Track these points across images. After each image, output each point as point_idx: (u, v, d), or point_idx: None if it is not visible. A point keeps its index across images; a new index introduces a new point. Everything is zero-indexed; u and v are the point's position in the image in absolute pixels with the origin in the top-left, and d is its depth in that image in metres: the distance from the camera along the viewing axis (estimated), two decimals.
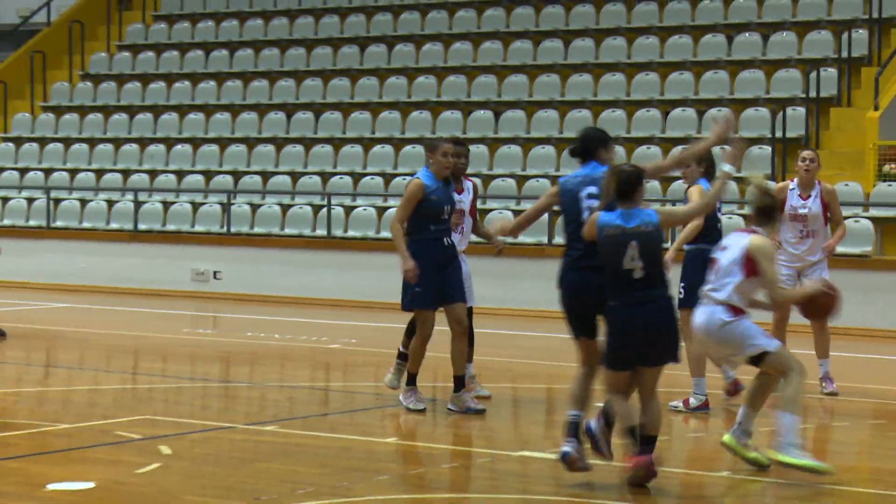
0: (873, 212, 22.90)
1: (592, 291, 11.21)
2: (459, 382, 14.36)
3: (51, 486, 11.33)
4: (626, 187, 10.61)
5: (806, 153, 15.97)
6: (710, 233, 14.59)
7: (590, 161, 11.85)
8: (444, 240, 14.09)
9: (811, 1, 28.28)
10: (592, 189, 11.54)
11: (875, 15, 27.06)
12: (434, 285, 13.91)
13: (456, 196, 14.60)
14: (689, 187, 14.72)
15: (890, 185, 23.44)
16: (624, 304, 10.60)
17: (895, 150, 24.25)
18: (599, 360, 11.06)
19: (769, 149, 25.35)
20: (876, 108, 24.78)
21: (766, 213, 11.45)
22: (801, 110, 25.86)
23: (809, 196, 15.72)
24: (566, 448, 11.20)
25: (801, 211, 15.69)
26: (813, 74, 25.99)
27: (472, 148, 17.59)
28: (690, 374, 14.65)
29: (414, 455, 13.00)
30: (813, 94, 25.93)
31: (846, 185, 23.46)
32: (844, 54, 26.48)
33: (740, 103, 26.73)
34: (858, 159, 24.65)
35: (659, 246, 10.64)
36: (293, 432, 13.95)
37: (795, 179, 15.93)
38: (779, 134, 25.41)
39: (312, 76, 31.38)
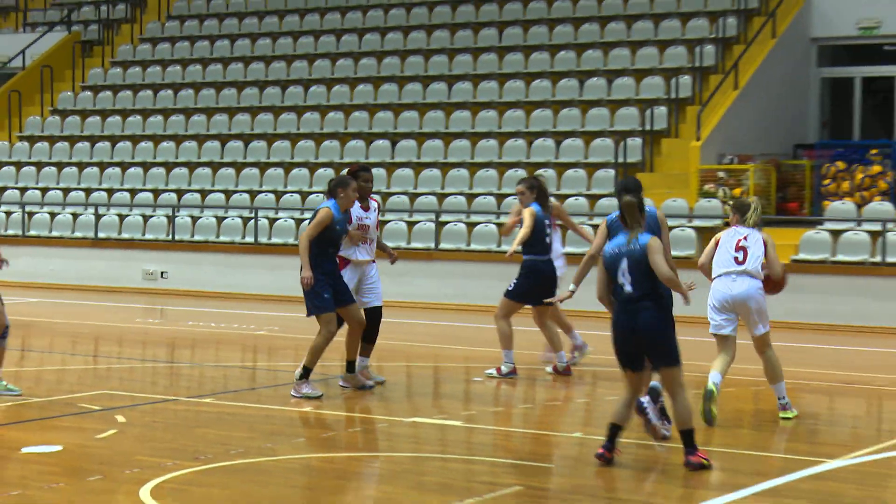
0: (696, 222, 23.06)
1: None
2: (351, 366, 14.32)
3: (25, 450, 11.30)
4: None
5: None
6: (538, 245, 15.12)
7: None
8: (335, 260, 13.99)
9: (646, 52, 28.43)
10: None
11: (697, 64, 27.28)
12: (330, 294, 13.77)
13: (363, 213, 14.46)
14: (524, 207, 15.25)
15: (709, 201, 23.65)
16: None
17: (713, 174, 24.45)
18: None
19: (612, 171, 25.51)
20: (698, 139, 24.98)
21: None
22: (639, 140, 26.05)
23: None
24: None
25: None
26: (648, 112, 26.21)
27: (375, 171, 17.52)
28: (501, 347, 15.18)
29: (324, 421, 13.01)
30: (648, 127, 26.14)
31: (674, 201, 23.74)
32: (673, 96, 26.70)
33: (590, 135, 26.84)
34: (684, 180, 24.88)
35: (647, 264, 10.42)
36: (227, 403, 13.93)
37: None
38: (621, 160, 25.58)
39: (242, 112, 31.22)
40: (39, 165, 32.18)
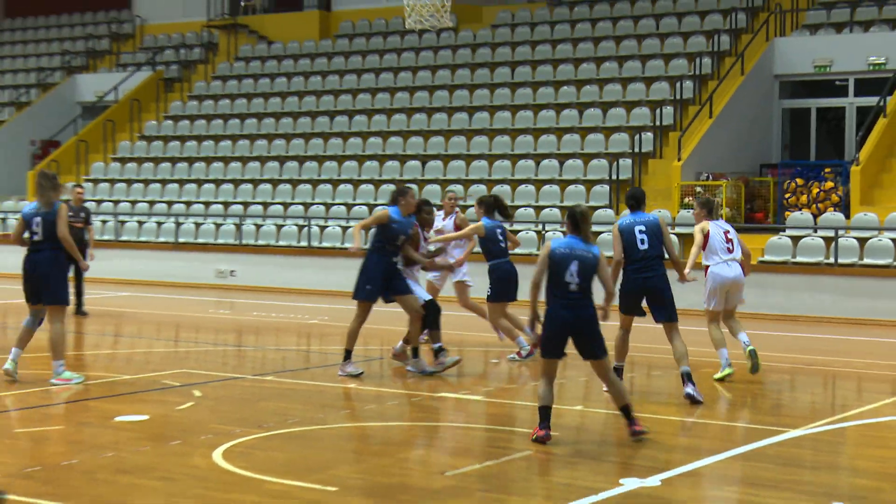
0: (678, 229, 22.94)
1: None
2: (416, 352, 14.13)
3: (117, 419, 11.32)
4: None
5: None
6: (496, 250, 15.14)
7: (637, 210, 12.74)
8: (392, 258, 13.78)
9: (634, 87, 28.38)
10: (642, 227, 12.50)
11: (678, 97, 27.23)
12: (375, 286, 13.68)
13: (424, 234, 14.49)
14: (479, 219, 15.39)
15: (688, 211, 23.51)
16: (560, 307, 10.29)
17: (691, 189, 24.39)
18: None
19: (607, 187, 25.49)
20: (679, 160, 24.92)
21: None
22: (629, 161, 25.97)
23: None
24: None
25: None
26: (636, 137, 26.16)
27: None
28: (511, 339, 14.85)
29: (366, 396, 12.97)
30: (637, 150, 26.09)
31: (659, 211, 23.62)
32: (657, 123, 26.67)
33: (588, 156, 26.79)
34: (668, 194, 24.82)
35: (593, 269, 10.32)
36: (285, 381, 13.92)
37: None
38: (614, 177, 25.56)
39: (296, 137, 31.23)
40: (129, 182, 32.23)
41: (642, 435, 10.30)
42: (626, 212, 13.13)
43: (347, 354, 13.96)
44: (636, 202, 12.80)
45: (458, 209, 16.81)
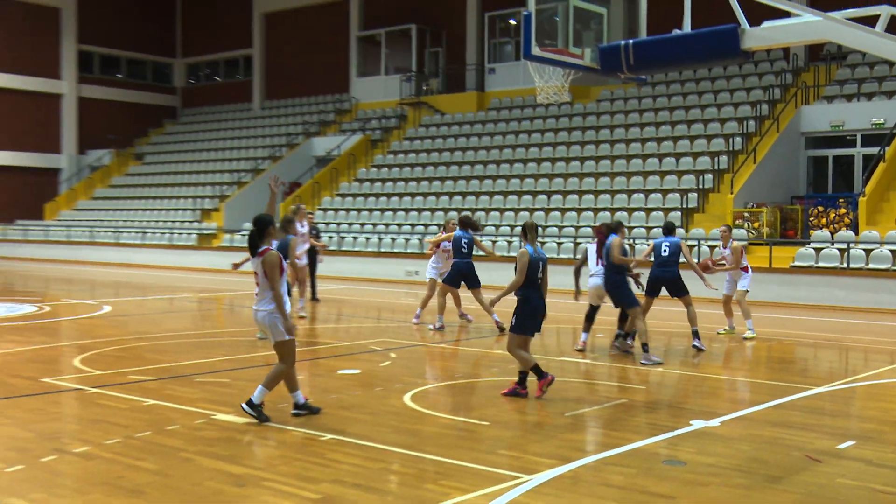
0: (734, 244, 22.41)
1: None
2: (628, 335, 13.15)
3: (339, 371, 11.43)
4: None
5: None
6: (458, 253, 15.63)
7: (668, 235, 13.92)
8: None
9: (699, 142, 27.85)
10: (668, 244, 13.80)
11: (731, 148, 26.69)
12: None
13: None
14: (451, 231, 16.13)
15: (738, 230, 23.07)
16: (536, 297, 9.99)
17: (741, 214, 23.86)
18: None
19: (679, 213, 25.04)
20: (731, 194, 24.40)
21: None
22: (695, 195, 25.49)
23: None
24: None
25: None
26: (701, 177, 25.64)
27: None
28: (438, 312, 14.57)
29: (508, 358, 12.82)
30: (701, 186, 25.58)
31: (717, 229, 23.15)
32: (716, 167, 26.11)
33: (665, 191, 26.31)
34: (723, 218, 24.16)
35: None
36: (452, 347, 13.86)
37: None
38: (685, 206, 25.07)
39: (460, 179, 31.34)
40: (347, 210, 32.67)
41: (544, 391, 9.94)
42: (660, 234, 13.72)
43: (645, 348, 12.50)
44: (667, 230, 13.99)
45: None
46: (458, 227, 15.83)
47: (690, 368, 12.03)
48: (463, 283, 15.78)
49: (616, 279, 12.75)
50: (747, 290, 15.02)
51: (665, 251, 13.64)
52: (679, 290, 13.66)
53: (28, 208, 44.20)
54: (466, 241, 15.59)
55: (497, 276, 20.17)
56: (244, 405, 8.71)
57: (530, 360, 9.97)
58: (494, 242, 26.33)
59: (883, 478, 7.20)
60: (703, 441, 8.18)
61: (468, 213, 18.13)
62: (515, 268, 9.88)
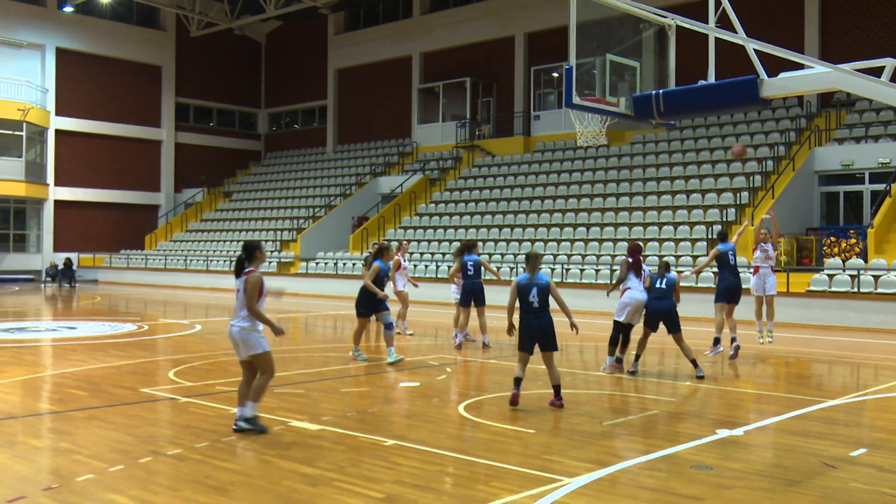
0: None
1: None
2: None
3: (401, 384, 11.39)
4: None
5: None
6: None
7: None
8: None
9: (723, 180, 27.53)
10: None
11: (751, 185, 26.36)
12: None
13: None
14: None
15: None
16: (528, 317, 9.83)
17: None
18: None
19: (704, 243, 24.73)
20: (752, 225, 24.02)
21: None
22: (719, 227, 25.13)
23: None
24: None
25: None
26: (724, 211, 25.29)
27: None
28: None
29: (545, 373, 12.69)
30: (724, 219, 25.20)
31: (740, 258, 22.80)
32: (738, 202, 25.75)
33: (693, 224, 25.99)
34: (746, 247, 23.77)
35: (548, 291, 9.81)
36: (500, 363, 13.73)
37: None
38: (708, 236, 24.74)
39: (509, 214, 31.22)
40: (409, 241, 32.68)
41: (559, 407, 9.74)
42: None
43: (694, 363, 12.19)
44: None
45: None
46: (461, 252, 15.66)
47: (716, 383, 11.81)
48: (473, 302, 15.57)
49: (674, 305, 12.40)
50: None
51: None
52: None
53: (131, 239, 45.04)
54: (472, 263, 15.49)
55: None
56: (241, 423, 8.38)
57: (556, 375, 9.88)
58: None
59: (892, 482, 7.02)
60: (728, 448, 8.02)
61: (472, 239, 17.95)
62: None
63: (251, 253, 8.48)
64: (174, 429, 8.76)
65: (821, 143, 27.67)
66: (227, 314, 22.96)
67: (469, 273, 15.52)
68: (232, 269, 35.86)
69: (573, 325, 10.11)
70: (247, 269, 8.43)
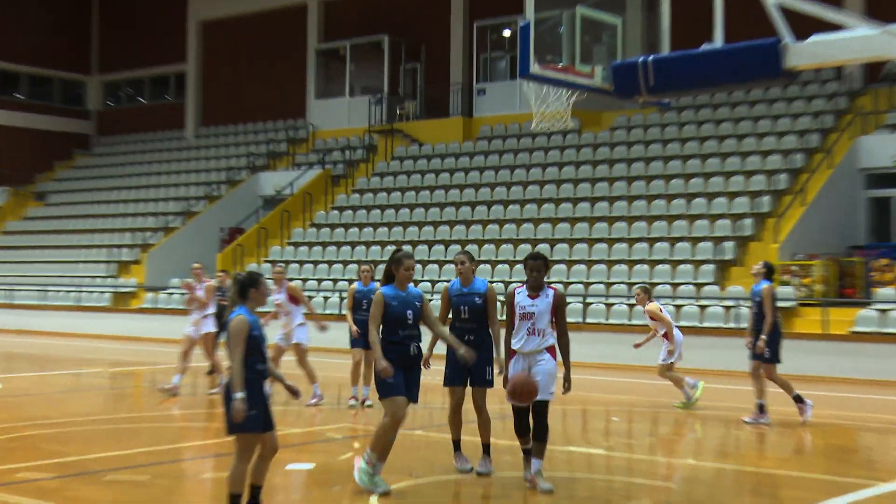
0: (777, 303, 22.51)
1: None
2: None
3: (288, 467, 11.23)
4: None
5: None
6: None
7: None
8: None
9: (736, 179, 28.01)
10: None
11: (773, 188, 26.90)
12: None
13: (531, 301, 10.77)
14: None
15: (786, 288, 23.14)
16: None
17: (788, 268, 23.92)
18: None
19: (713, 266, 25.19)
20: (776, 243, 24.57)
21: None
22: (731, 244, 25.63)
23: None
24: None
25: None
26: (738, 222, 25.84)
27: None
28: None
29: (503, 448, 12.66)
30: (739, 234, 25.74)
31: (758, 286, 23.22)
32: (756, 211, 26.29)
33: (695, 240, 26.39)
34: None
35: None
36: (426, 434, 13.67)
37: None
38: (719, 258, 25.28)
39: (443, 224, 31.38)
40: (301, 263, 32.56)
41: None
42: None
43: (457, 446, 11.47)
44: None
45: (285, 281, 17.27)
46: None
47: (728, 461, 11.91)
48: None
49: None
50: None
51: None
52: None
53: None
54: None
55: None
56: None
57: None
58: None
59: None
60: None
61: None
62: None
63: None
64: None
65: (867, 130, 28.29)
66: (38, 367, 22.50)
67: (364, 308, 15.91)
68: (45, 302, 35.70)
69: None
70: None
